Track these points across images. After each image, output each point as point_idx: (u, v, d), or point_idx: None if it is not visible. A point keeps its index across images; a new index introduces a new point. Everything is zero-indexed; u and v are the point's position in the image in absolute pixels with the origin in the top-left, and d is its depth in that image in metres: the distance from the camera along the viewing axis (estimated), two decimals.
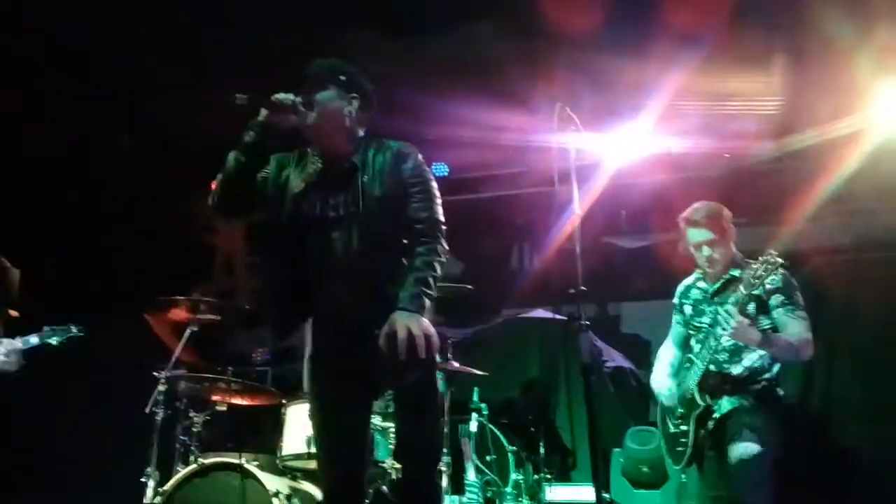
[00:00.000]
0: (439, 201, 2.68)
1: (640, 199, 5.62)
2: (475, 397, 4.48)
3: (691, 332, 3.61)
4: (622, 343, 5.73)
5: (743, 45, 4.53)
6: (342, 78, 2.67)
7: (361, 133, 2.72)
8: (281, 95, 2.58)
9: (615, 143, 5.26)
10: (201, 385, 4.06)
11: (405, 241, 2.62)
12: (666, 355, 3.75)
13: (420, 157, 2.71)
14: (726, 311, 3.19)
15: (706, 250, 3.49)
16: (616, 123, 5.23)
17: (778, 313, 3.35)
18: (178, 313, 4.20)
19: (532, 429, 4.85)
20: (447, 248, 2.65)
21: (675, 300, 3.74)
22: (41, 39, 4.50)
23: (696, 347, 3.52)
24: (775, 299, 3.36)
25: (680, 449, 3.51)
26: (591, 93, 4.97)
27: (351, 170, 2.64)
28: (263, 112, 2.57)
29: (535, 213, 5.62)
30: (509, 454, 4.53)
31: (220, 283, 6.30)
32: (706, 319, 3.50)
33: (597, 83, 4.94)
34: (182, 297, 4.19)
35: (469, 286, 4.45)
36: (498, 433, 4.59)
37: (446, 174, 5.68)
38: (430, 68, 5.03)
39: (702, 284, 3.62)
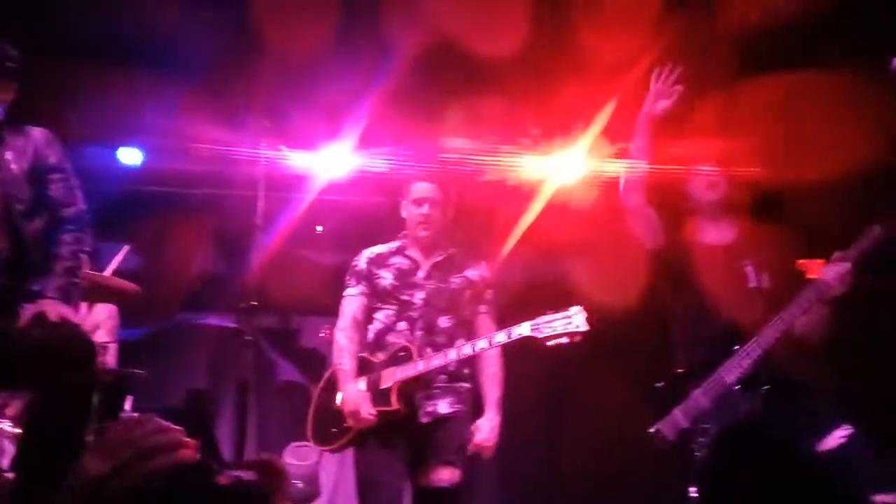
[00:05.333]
0: (81, 194, 2.60)
1: (342, 217, 5.70)
2: (127, 406, 4.16)
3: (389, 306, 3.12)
4: (299, 357, 5.74)
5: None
6: None
7: None
8: None
9: (324, 159, 5.28)
10: None
11: (45, 225, 2.48)
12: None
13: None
14: None
15: (426, 207, 3.10)
16: (325, 141, 5.27)
17: None
18: None
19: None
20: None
21: (362, 266, 3.21)
22: None
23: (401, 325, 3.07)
24: None
25: None
26: (302, 109, 4.96)
27: None
28: None
29: (231, 218, 5.44)
30: None
31: None
32: (421, 295, 3.07)
33: (307, 101, 4.95)
34: None
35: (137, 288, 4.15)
36: None
37: (141, 161, 5.28)
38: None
39: (412, 253, 3.17)
